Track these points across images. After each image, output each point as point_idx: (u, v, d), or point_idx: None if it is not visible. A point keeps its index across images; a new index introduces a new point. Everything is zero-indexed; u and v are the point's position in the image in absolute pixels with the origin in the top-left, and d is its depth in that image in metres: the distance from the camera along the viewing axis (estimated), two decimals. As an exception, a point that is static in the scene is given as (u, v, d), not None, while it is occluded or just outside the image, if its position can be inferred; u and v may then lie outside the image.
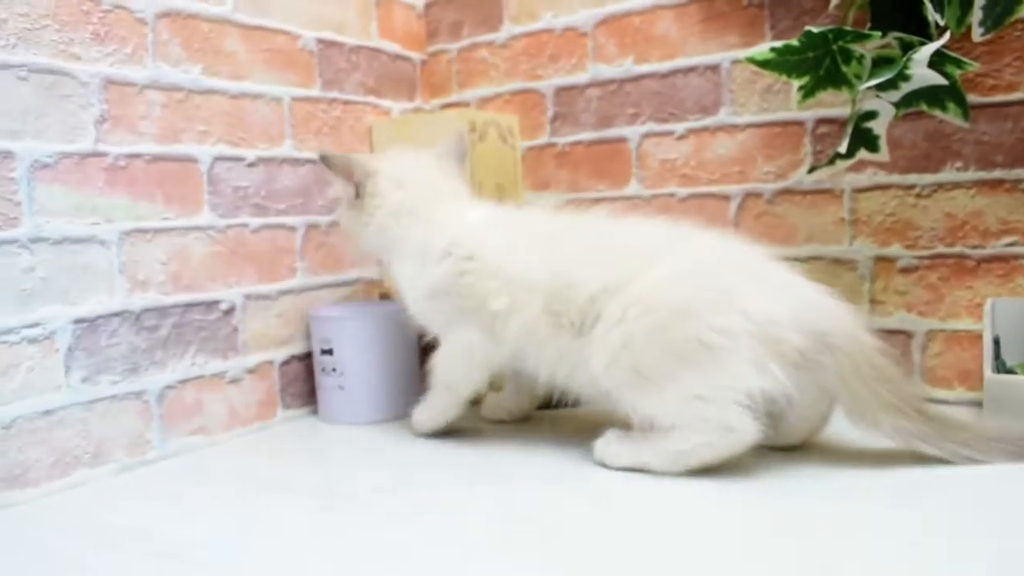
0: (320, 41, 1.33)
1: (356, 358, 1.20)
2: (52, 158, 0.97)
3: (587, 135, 1.40)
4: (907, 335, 1.18)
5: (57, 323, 0.98)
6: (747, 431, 0.88)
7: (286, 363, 1.26)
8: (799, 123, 1.22)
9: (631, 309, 0.93)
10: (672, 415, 0.91)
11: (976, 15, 0.96)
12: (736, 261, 0.96)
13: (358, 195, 1.12)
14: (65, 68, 0.99)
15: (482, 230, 1.08)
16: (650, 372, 0.91)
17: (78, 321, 1.00)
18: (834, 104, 1.18)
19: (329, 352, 1.21)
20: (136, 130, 1.06)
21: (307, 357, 1.29)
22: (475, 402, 1.15)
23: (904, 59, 0.95)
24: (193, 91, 1.13)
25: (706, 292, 0.92)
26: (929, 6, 0.98)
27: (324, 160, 1.12)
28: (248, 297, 1.20)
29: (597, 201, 1.40)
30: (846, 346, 0.89)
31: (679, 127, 1.31)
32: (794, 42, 1.01)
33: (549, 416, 1.21)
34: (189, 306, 1.12)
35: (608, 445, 0.97)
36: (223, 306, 1.17)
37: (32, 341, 0.95)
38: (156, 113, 1.09)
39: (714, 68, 1.28)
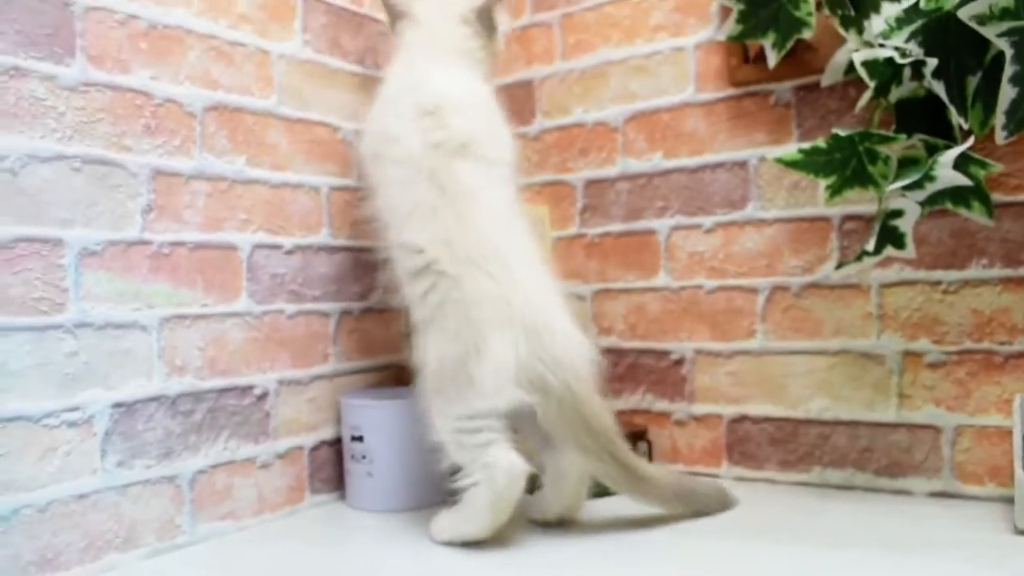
0: (358, 132, 1.37)
1: (385, 446, 1.21)
2: (100, 246, 1.01)
3: (616, 227, 1.43)
4: (936, 430, 1.17)
5: (96, 407, 1.00)
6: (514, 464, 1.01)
7: (316, 448, 1.27)
8: (826, 219, 1.25)
9: None
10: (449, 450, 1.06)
11: (999, 119, 0.99)
12: (518, 296, 1.05)
13: None
14: (117, 159, 1.03)
15: None
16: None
17: (116, 405, 1.02)
18: (860, 201, 1.20)
19: (359, 439, 1.22)
20: (181, 219, 1.10)
21: (337, 442, 1.30)
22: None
23: (930, 161, 0.97)
24: (236, 181, 1.17)
25: (463, 335, 1.04)
26: (953, 110, 1.01)
27: None
28: (281, 382, 1.22)
29: (626, 291, 1.42)
30: (560, 393, 1.02)
31: (707, 220, 1.34)
32: (821, 143, 1.04)
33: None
34: (224, 391, 1.14)
35: (439, 525, 1.09)
36: (257, 391, 1.19)
37: (71, 425, 0.97)
38: (200, 202, 1.13)
39: (742, 164, 1.31)
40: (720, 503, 1.15)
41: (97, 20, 1.02)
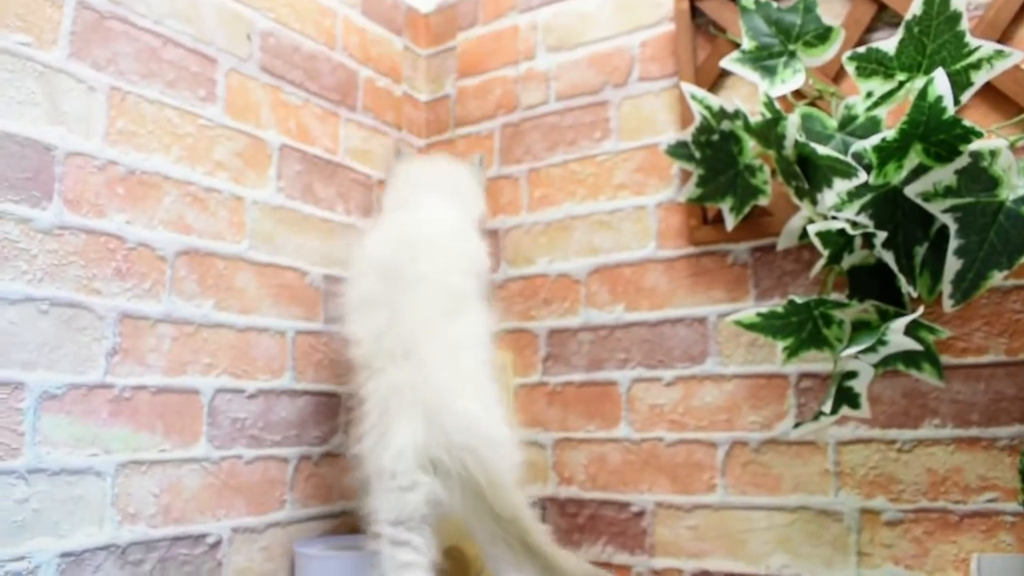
0: (327, 277, 1.39)
1: (340, 598, 1.18)
2: (61, 389, 1.00)
3: (578, 376, 1.45)
4: (896, 590, 1.18)
5: (44, 556, 0.96)
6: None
7: (267, 600, 1.23)
8: (783, 376, 1.28)
9: None
10: None
11: (946, 288, 1.04)
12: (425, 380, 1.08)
13: None
14: (85, 302, 1.03)
15: None
16: None
17: (64, 555, 0.98)
18: (816, 359, 1.23)
19: (313, 591, 1.18)
20: (145, 362, 1.09)
21: (289, 593, 1.26)
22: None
23: (882, 328, 1.01)
24: (203, 325, 1.18)
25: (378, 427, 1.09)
26: (902, 279, 1.06)
27: None
28: (235, 530, 1.19)
29: (587, 441, 1.42)
30: (460, 476, 1.03)
31: (668, 374, 1.36)
32: (779, 308, 1.08)
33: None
34: (176, 539, 1.11)
35: None
36: (210, 539, 1.15)
37: (15, 575, 0.93)
38: (166, 346, 1.12)
39: (701, 320, 1.35)
40: None
41: (77, 165, 1.04)
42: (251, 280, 1.26)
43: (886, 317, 1.07)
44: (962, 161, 0.99)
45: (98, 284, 1.05)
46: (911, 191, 1.01)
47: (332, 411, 1.36)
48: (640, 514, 1.36)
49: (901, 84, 1.06)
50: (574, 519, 1.42)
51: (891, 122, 1.06)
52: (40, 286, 0.99)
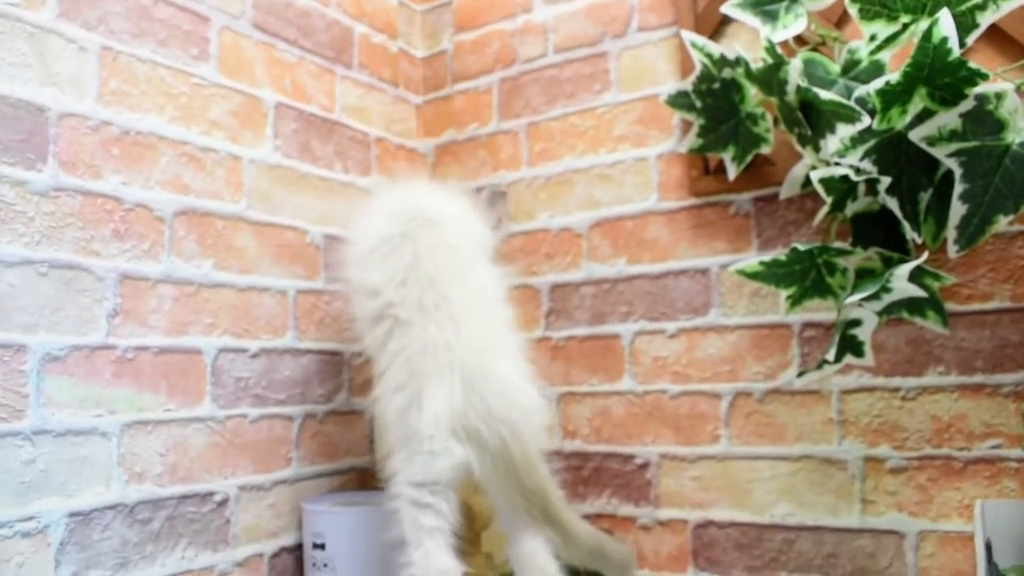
0: (327, 236, 1.38)
1: (348, 554, 1.19)
2: (63, 351, 1.00)
3: (581, 330, 1.45)
4: (899, 535, 1.18)
5: (52, 516, 0.97)
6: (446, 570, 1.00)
7: (276, 555, 1.24)
8: (786, 326, 1.27)
9: None
10: None
11: (951, 234, 1.03)
12: (460, 342, 1.05)
13: None
14: (84, 264, 1.03)
15: None
16: None
17: (73, 514, 0.99)
18: (819, 309, 1.23)
19: (321, 547, 1.19)
20: (146, 323, 1.09)
21: (298, 549, 1.27)
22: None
23: (886, 274, 1.00)
24: (204, 285, 1.17)
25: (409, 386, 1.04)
26: (906, 225, 1.05)
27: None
28: (242, 488, 1.20)
29: (591, 395, 1.43)
30: (493, 446, 1.00)
31: (671, 326, 1.36)
32: (781, 256, 1.07)
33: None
34: (184, 498, 1.12)
35: None
36: (217, 498, 1.16)
37: (25, 535, 0.94)
38: (167, 307, 1.12)
39: (704, 272, 1.34)
40: (623, 570, 1.14)
41: (71, 126, 1.03)
42: (250, 239, 1.25)
43: (890, 264, 1.06)
44: (967, 104, 0.98)
45: (97, 245, 1.04)
46: (915, 135, 1.00)
47: (336, 369, 1.36)
48: (644, 466, 1.37)
49: (905, 26, 1.04)
50: (579, 472, 1.43)
51: (895, 66, 1.04)
52: (38, 248, 0.98)
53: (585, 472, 1.42)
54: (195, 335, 1.15)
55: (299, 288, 1.32)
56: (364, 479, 1.41)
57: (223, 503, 1.17)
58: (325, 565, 1.19)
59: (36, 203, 0.98)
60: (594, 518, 1.41)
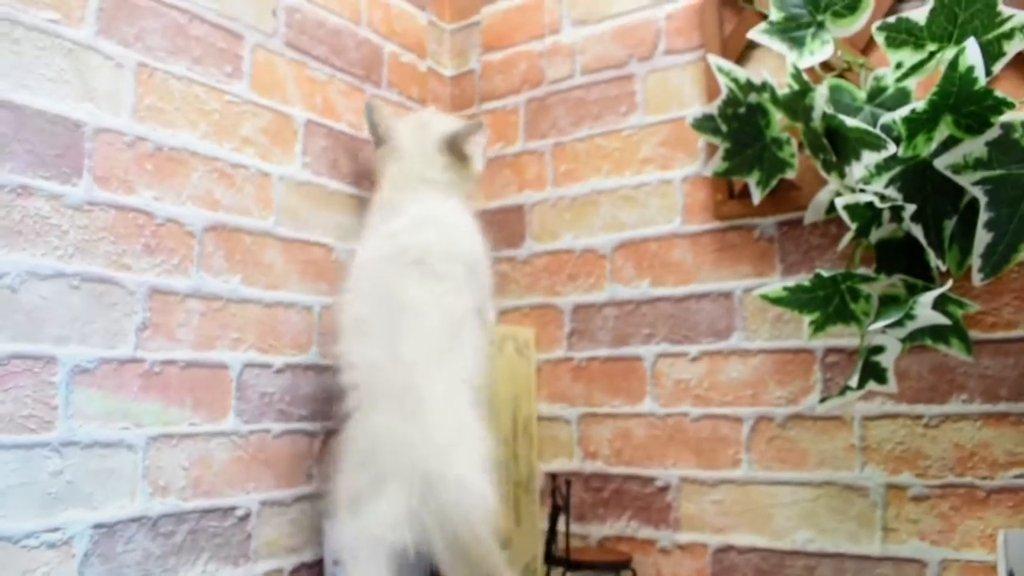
0: (352, 253, 1.40)
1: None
2: (92, 363, 1.01)
3: (603, 351, 1.45)
4: (921, 564, 1.17)
5: (77, 528, 0.98)
6: None
7: (295, 571, 1.25)
8: (809, 351, 1.27)
9: None
10: None
11: (976, 262, 1.02)
12: (423, 439, 1.05)
13: None
14: (115, 278, 1.05)
15: None
16: None
17: (97, 526, 1.00)
18: (842, 334, 1.22)
19: (341, 562, 1.20)
20: (174, 337, 1.11)
21: (318, 565, 1.27)
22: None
23: (910, 302, 1.00)
24: (231, 300, 1.19)
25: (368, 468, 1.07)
26: (931, 252, 1.05)
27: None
28: (264, 503, 1.21)
29: (612, 416, 1.43)
30: (447, 543, 1.02)
31: (693, 349, 1.36)
32: (805, 282, 1.07)
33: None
34: (206, 512, 1.13)
35: None
36: (239, 512, 1.17)
37: (51, 546, 0.95)
38: (194, 321, 1.13)
39: (727, 295, 1.34)
40: None
41: (106, 142, 1.05)
42: (278, 255, 1.27)
43: (914, 291, 1.06)
44: (993, 133, 0.98)
45: (128, 260, 1.06)
46: (941, 163, 1.00)
47: (358, 386, 1.37)
48: (665, 489, 1.37)
49: (931, 54, 1.04)
50: (599, 493, 1.43)
51: (921, 94, 1.05)
52: (71, 262, 1.00)
53: (605, 494, 1.42)
54: (221, 350, 1.17)
55: (324, 304, 1.34)
56: (384, 495, 1.41)
57: (245, 518, 1.18)
58: (344, 581, 1.20)
59: (70, 217, 1.00)
60: (613, 540, 1.40)
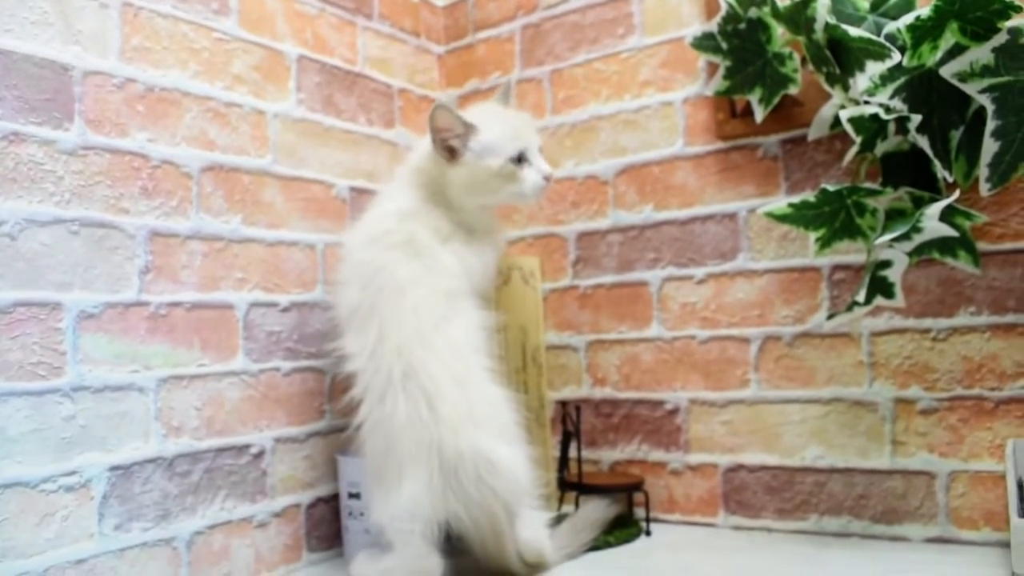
0: (353, 189, 1.39)
1: (383, 501, 1.21)
2: (98, 308, 1.01)
3: (609, 278, 1.44)
4: (930, 476, 1.18)
5: (94, 471, 0.99)
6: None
7: (312, 506, 1.26)
8: (815, 269, 1.26)
9: None
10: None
11: (983, 172, 1.01)
12: (438, 424, 1.04)
13: None
14: (114, 222, 1.04)
15: None
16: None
17: (114, 468, 1.01)
18: (849, 251, 1.22)
19: (356, 496, 1.21)
20: (178, 279, 1.10)
21: (334, 499, 1.29)
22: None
23: (917, 214, 0.99)
24: (233, 240, 1.18)
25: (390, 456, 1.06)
26: (937, 164, 1.03)
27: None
28: (278, 440, 1.22)
29: (619, 342, 1.43)
30: (472, 521, 1.03)
31: (699, 272, 1.36)
32: (811, 198, 1.06)
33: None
34: (221, 451, 1.14)
35: (358, 564, 1.12)
36: (253, 450, 1.18)
37: (69, 489, 0.96)
38: (197, 263, 1.13)
39: (731, 216, 1.33)
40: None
41: (95, 84, 1.03)
42: (277, 194, 1.26)
43: (920, 204, 1.05)
44: (1000, 38, 0.95)
45: (126, 203, 1.05)
46: (947, 72, 0.98)
47: (365, 322, 1.37)
48: (674, 412, 1.38)
49: (936, -42, 1.01)
50: (609, 419, 1.44)
51: (925, 0, 1.02)
52: (69, 207, 0.99)
53: (615, 419, 1.43)
54: (226, 290, 1.17)
55: (327, 242, 1.33)
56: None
57: (259, 455, 1.19)
58: (361, 514, 1.21)
59: (65, 162, 0.99)
60: (625, 464, 1.42)
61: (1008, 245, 1.14)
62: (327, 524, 1.28)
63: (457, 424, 1.03)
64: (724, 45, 1.23)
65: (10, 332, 0.92)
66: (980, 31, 0.97)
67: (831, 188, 1.04)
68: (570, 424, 1.34)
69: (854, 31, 1.01)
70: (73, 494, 0.97)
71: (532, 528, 1.08)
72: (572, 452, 1.36)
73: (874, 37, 1.01)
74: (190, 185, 1.13)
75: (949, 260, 1.10)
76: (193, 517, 1.10)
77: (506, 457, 1.04)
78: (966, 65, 0.97)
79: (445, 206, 1.17)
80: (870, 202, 1.07)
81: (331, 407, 1.31)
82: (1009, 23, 0.95)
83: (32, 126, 0.96)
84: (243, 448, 1.17)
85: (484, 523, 1.04)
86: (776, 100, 1.22)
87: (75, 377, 0.98)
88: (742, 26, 1.20)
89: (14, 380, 0.92)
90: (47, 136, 0.98)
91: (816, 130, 1.20)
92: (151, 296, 1.07)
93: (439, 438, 1.02)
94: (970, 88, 0.98)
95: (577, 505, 1.30)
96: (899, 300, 1.08)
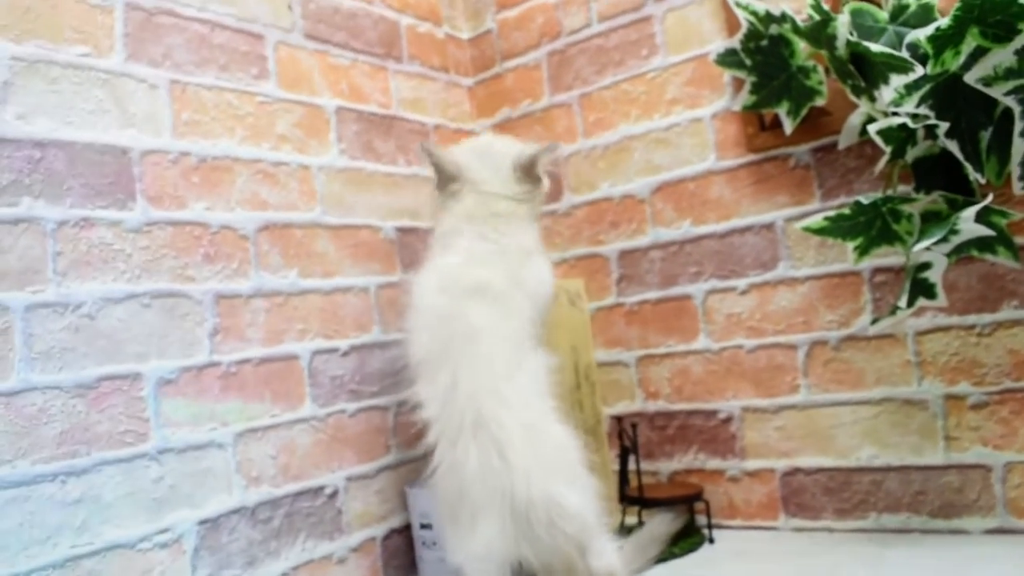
0: (398, 229, 1.44)
1: (454, 531, 1.26)
2: (174, 374, 1.07)
3: (653, 294, 1.48)
4: (986, 469, 1.20)
5: (184, 527, 1.05)
6: None
7: (387, 537, 1.32)
8: (856, 273, 1.29)
9: None
10: None
11: (1015, 171, 1.03)
12: (508, 473, 1.04)
13: None
14: (182, 290, 1.10)
15: None
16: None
17: (202, 522, 1.07)
18: (888, 254, 1.23)
19: (428, 526, 1.27)
20: (244, 337, 1.16)
21: (406, 529, 1.34)
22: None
23: (952, 217, 1.01)
24: (292, 294, 1.24)
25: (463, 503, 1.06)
26: (968, 166, 1.05)
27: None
28: (349, 479, 1.27)
29: (668, 356, 1.46)
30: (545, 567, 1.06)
31: (741, 282, 1.39)
32: (845, 211, 1.08)
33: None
34: (298, 495, 1.20)
35: None
36: (328, 491, 1.24)
37: (163, 546, 1.03)
38: (261, 319, 1.19)
39: (769, 226, 1.36)
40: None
41: (153, 162, 1.09)
42: (329, 243, 1.31)
43: (955, 206, 1.07)
44: (1021, 40, 0.97)
45: (191, 271, 1.11)
46: (971, 78, 1.00)
47: (421, 357, 1.42)
48: (728, 420, 1.41)
49: (952, -32, 1.03)
50: (664, 431, 1.47)
51: (943, 5, 1.04)
52: (139, 282, 1.05)
53: (670, 431, 1.47)
54: (289, 342, 1.22)
55: (379, 283, 1.38)
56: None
57: (334, 495, 1.25)
58: (434, 543, 1.26)
59: (132, 240, 1.05)
60: (683, 474, 1.45)
61: (1046, 237, 1.16)
62: (402, 554, 1.34)
63: (527, 472, 1.04)
64: (748, 61, 1.25)
65: (98, 405, 0.99)
66: (1001, 34, 0.98)
67: (865, 200, 1.07)
68: (627, 439, 1.38)
69: (875, 47, 1.03)
70: (167, 550, 1.03)
71: (603, 556, 1.11)
72: (631, 466, 1.39)
73: (896, 52, 1.03)
74: (247, 246, 1.19)
75: (988, 257, 1.11)
76: (278, 560, 1.16)
77: (575, 500, 1.06)
78: (990, 70, 0.99)
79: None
80: (905, 208, 1.09)
81: (396, 441, 1.36)
82: (1029, 26, 0.96)
83: (99, 210, 1.03)
84: (318, 490, 1.23)
85: (557, 563, 1.08)
86: (804, 112, 1.24)
87: (160, 440, 1.04)
88: (764, 43, 1.22)
89: (105, 449, 0.99)
90: (114, 217, 1.04)
91: (846, 139, 1.22)
92: (221, 356, 1.13)
93: (511, 486, 1.04)
94: (995, 92, 0.99)
95: (640, 519, 1.34)
96: (942, 300, 1.10)
